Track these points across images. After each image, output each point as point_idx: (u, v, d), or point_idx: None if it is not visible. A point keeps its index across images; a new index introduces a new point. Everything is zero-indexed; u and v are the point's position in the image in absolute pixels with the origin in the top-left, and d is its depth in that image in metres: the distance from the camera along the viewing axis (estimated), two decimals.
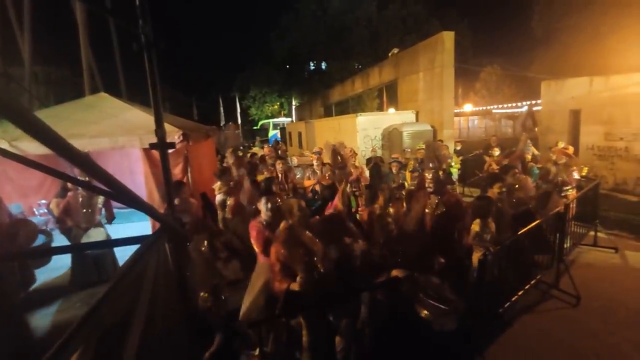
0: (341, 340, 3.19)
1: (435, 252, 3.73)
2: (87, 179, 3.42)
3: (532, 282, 4.20)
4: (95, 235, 4.54)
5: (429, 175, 4.69)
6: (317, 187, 5.40)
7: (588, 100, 9.93)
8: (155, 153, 5.26)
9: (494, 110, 32.18)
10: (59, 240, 5.00)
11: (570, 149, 6.77)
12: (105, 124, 5.85)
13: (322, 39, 30.87)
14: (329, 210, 4.19)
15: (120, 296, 1.31)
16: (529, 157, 6.71)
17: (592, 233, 5.89)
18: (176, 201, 4.20)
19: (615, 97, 9.21)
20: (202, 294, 2.55)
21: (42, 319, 4.00)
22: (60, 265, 4.98)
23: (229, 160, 7.35)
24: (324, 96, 26.26)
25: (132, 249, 1.61)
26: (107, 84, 12.57)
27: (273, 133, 26.67)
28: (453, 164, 8.04)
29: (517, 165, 6.07)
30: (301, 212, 3.11)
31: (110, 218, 5.05)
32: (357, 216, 4.89)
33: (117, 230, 5.56)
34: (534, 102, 23.74)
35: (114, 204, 5.23)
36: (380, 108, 24.50)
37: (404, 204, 4.10)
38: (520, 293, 3.99)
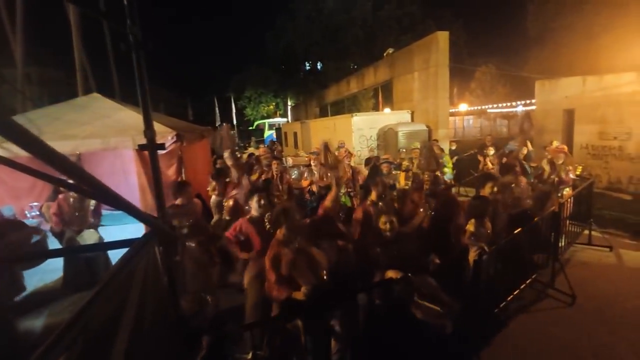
0: (337, 342, 3.17)
1: (430, 252, 3.72)
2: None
3: (528, 281, 4.20)
4: (87, 237, 4.49)
5: (427, 177, 4.70)
6: (314, 188, 5.37)
7: (582, 99, 9.99)
8: (149, 154, 5.23)
9: (488, 110, 32.33)
10: (52, 242, 4.94)
11: (565, 148, 6.79)
12: (98, 124, 5.79)
13: (317, 39, 30.83)
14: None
15: (108, 300, 1.28)
16: (521, 155, 6.72)
17: (586, 232, 5.91)
18: (179, 201, 4.18)
19: (609, 97, 9.27)
20: (188, 296, 2.52)
21: (31, 323, 3.94)
22: (53, 268, 4.91)
23: (228, 161, 7.28)
24: (320, 96, 26.26)
25: (124, 251, 1.59)
26: (101, 84, 12.47)
27: (269, 133, 26.61)
28: (446, 163, 8.04)
29: (516, 164, 6.08)
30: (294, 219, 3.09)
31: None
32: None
33: (110, 232, 5.50)
34: (528, 101, 23.92)
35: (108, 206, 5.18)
36: (375, 108, 24.54)
37: (396, 204, 4.08)
38: (515, 293, 3.99)
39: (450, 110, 17.23)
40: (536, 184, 6.14)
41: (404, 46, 14.17)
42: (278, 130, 24.12)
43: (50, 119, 6.02)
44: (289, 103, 35.30)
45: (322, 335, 3.04)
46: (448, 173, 7.95)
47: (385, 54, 15.87)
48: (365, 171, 7.44)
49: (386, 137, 11.34)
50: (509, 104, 29.15)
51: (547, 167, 6.08)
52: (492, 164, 7.39)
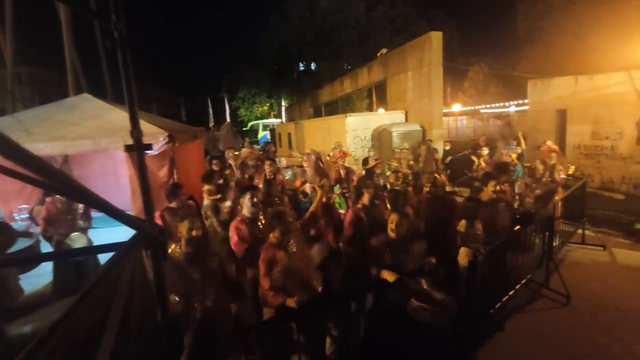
0: (332, 343, 3.13)
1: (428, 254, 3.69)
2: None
3: (523, 281, 4.20)
4: (76, 241, 4.40)
5: (426, 179, 4.68)
6: (307, 188, 5.33)
7: (574, 99, 10.05)
8: None
9: (482, 110, 32.51)
10: (46, 246, 4.84)
11: (556, 149, 6.83)
12: (88, 125, 5.69)
13: (311, 40, 30.80)
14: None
15: (93, 305, 1.22)
16: (514, 156, 6.73)
17: (580, 231, 5.94)
18: (174, 204, 4.10)
19: (600, 97, 9.34)
20: (173, 297, 2.44)
21: (20, 329, 3.84)
22: (42, 272, 4.80)
23: (231, 161, 7.21)
24: (314, 97, 26.21)
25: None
26: (93, 84, 12.32)
27: (263, 134, 26.49)
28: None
29: (509, 164, 6.10)
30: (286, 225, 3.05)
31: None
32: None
33: (102, 235, 5.40)
34: (521, 101, 24.09)
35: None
36: (369, 108, 24.55)
37: (388, 205, 4.05)
38: (511, 293, 3.98)
39: (444, 111, 17.27)
40: (530, 184, 6.16)
41: (397, 46, 14.18)
42: (272, 131, 24.01)
43: (39, 120, 5.90)
44: (283, 104, 35.21)
45: (317, 338, 3.01)
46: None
47: (378, 54, 15.85)
48: (359, 171, 7.42)
49: (380, 137, 11.33)
50: (501, 104, 29.34)
51: (540, 167, 6.09)
52: (487, 164, 7.40)
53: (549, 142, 7.00)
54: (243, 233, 3.51)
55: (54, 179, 1.05)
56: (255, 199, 3.60)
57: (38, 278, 4.65)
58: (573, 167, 7.32)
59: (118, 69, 1.57)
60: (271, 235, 3.11)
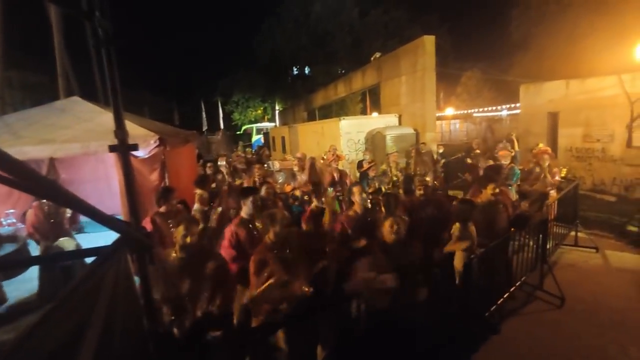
0: (323, 349, 3.08)
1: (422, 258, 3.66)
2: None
3: (517, 284, 4.18)
4: (64, 245, 4.31)
5: (418, 182, 4.67)
6: (298, 193, 5.29)
7: (565, 102, 10.15)
8: (131, 158, 5.07)
9: (475, 114, 32.75)
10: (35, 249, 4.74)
11: (549, 150, 6.85)
12: (78, 128, 5.61)
13: (305, 44, 30.88)
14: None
15: (72, 310, 1.17)
16: (506, 161, 6.71)
17: (573, 233, 5.96)
18: (163, 209, 4.02)
19: (591, 100, 9.44)
20: (165, 304, 2.39)
21: (2, 336, 3.74)
22: (29, 277, 4.68)
23: (223, 169, 7.12)
24: (308, 101, 26.21)
25: None
26: (85, 88, 12.17)
27: (256, 138, 26.41)
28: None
29: (502, 167, 6.09)
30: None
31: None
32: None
33: (91, 240, 5.31)
34: (513, 105, 24.31)
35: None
36: (363, 112, 24.60)
37: (382, 209, 4.03)
38: (505, 296, 3.96)
39: (437, 114, 17.37)
40: (524, 187, 6.16)
41: (390, 50, 14.23)
42: (266, 134, 23.94)
43: (28, 123, 5.81)
44: (277, 107, 35.20)
45: (304, 346, 2.96)
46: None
47: (372, 58, 15.90)
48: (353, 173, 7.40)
49: (374, 140, 11.33)
50: (494, 107, 29.57)
51: (537, 169, 6.11)
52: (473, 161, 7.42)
53: (541, 145, 7.03)
54: (241, 236, 3.50)
55: (37, 183, 1.00)
56: (258, 202, 3.59)
57: (24, 283, 4.54)
58: (565, 169, 7.37)
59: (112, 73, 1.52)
60: (266, 237, 3.08)
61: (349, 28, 29.95)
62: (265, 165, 10.44)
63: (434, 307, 3.29)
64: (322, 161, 8.12)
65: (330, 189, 5.76)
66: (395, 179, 6.78)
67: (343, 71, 28.00)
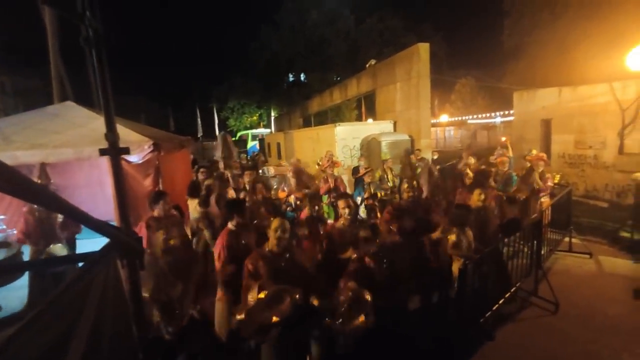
0: None
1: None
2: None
3: (512, 290, 4.18)
4: (55, 252, 4.23)
5: (406, 186, 4.68)
6: (292, 199, 5.27)
7: (558, 109, 10.26)
8: (124, 163, 5.01)
9: (469, 121, 33.02)
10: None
11: (544, 156, 6.90)
12: (71, 133, 5.56)
13: (301, 51, 31.05)
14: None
15: (56, 318, 1.14)
16: (505, 168, 6.72)
17: (567, 239, 5.98)
18: (156, 212, 3.97)
19: (583, 107, 9.55)
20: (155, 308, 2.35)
21: None
22: (20, 285, 4.59)
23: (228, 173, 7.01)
24: (303, 107, 26.29)
25: None
26: (81, 93, 12.07)
27: (252, 144, 26.35)
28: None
29: (491, 172, 6.11)
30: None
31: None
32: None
33: (85, 246, 5.22)
34: (507, 112, 24.55)
35: None
36: (359, 118, 24.71)
37: (378, 214, 4.03)
38: (501, 302, 3.95)
39: (432, 121, 17.48)
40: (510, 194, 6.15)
41: (386, 58, 14.35)
42: (261, 141, 23.91)
43: (20, 128, 5.75)
44: (273, 114, 35.23)
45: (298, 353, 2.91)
46: None
47: (367, 66, 16.04)
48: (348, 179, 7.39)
49: (369, 146, 11.36)
50: (488, 114, 29.84)
51: (535, 174, 6.14)
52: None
53: (534, 151, 7.08)
54: (231, 246, 3.47)
55: (27, 188, 0.98)
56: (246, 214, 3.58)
57: (12, 291, 4.45)
58: (558, 175, 7.42)
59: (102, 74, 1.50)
60: (266, 244, 3.07)
61: (345, 35, 30.20)
62: (261, 171, 10.42)
63: (429, 313, 3.27)
64: (317, 167, 8.12)
65: (324, 196, 5.74)
66: (391, 184, 6.79)
67: (339, 78, 28.17)
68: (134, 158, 5.12)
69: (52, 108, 6.92)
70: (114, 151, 1.56)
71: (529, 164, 6.42)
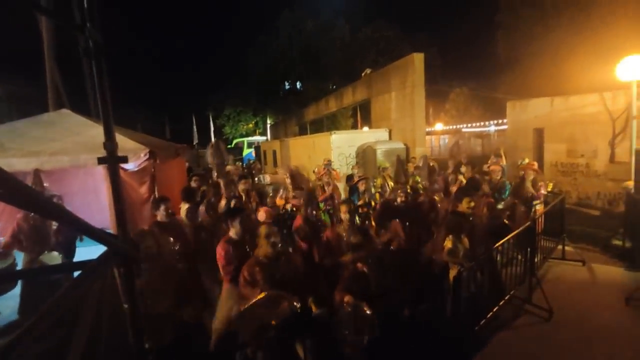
0: None
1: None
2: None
3: (507, 297, 4.20)
4: (49, 260, 4.20)
5: (400, 191, 4.72)
6: (288, 207, 5.27)
7: (550, 119, 10.41)
8: (120, 171, 5.01)
9: (464, 129, 33.35)
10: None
11: (535, 165, 6.98)
12: (67, 141, 5.56)
13: (297, 60, 31.34)
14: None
15: (53, 326, 1.15)
16: (498, 176, 6.78)
17: (560, 247, 6.03)
18: (159, 217, 3.98)
19: (575, 117, 9.71)
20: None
21: None
22: (11, 295, 4.53)
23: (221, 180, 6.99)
24: (299, 115, 26.42)
25: None
26: (77, 100, 12.04)
27: (247, 152, 26.36)
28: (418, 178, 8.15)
29: (481, 181, 6.15)
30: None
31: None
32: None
33: (81, 254, 5.17)
34: (500, 121, 24.85)
35: None
36: (354, 126, 24.85)
37: (373, 222, 4.06)
38: (495, 309, 3.97)
39: (427, 130, 17.62)
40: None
41: (381, 67, 14.53)
42: (257, 148, 23.95)
43: (15, 135, 5.74)
44: (269, 121, 35.34)
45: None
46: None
47: (363, 75, 16.22)
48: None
49: (365, 155, 11.44)
50: (482, 123, 30.19)
51: (528, 182, 6.21)
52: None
53: (527, 160, 7.16)
54: (229, 254, 3.47)
55: (19, 194, 1.00)
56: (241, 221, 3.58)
57: (3, 301, 4.39)
58: (551, 184, 7.50)
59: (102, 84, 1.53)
60: (260, 251, 3.09)
61: (341, 44, 30.55)
62: (257, 179, 10.42)
63: (424, 320, 3.29)
64: (313, 173, 8.14)
65: (321, 204, 5.75)
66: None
67: (334, 86, 28.38)
68: (129, 166, 5.12)
69: (48, 116, 6.91)
70: (113, 160, 1.57)
71: (522, 172, 6.48)
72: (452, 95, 33.66)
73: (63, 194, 7.24)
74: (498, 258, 4.22)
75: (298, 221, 4.31)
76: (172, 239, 3.77)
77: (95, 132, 5.88)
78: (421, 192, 6.23)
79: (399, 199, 4.77)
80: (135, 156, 5.17)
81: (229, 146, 31.12)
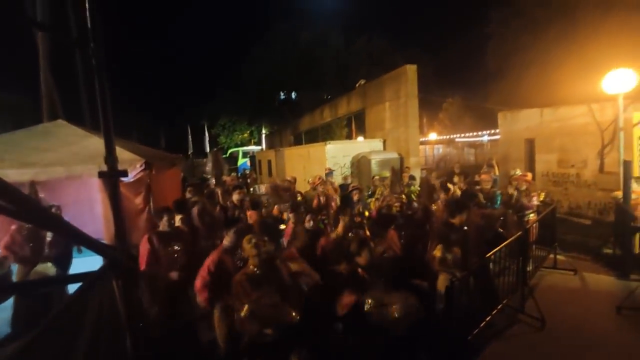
0: None
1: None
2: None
3: (499, 306, 4.24)
4: (43, 271, 4.17)
5: (395, 201, 4.79)
6: (285, 216, 5.31)
7: (540, 129, 10.60)
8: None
9: (457, 139, 33.69)
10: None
11: (529, 176, 7.11)
12: (62, 151, 5.57)
13: (292, 70, 31.61)
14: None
15: (54, 339, 1.17)
16: (488, 186, 6.86)
17: (552, 256, 6.11)
18: (161, 226, 4.04)
19: (564, 127, 9.90)
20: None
21: None
22: (3, 307, 4.49)
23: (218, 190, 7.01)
24: (294, 125, 26.55)
25: None
26: (71, 111, 12.02)
27: (242, 161, 26.36)
28: (412, 188, 8.24)
29: (476, 192, 6.24)
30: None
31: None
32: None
33: (77, 264, 5.13)
34: (493, 131, 25.16)
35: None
36: (349, 136, 25.01)
37: (367, 231, 4.11)
38: (488, 319, 4.00)
39: (421, 139, 17.82)
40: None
41: (375, 78, 14.71)
42: (252, 158, 23.97)
43: (10, 146, 5.74)
44: (264, 131, 35.43)
45: None
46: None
47: (357, 85, 16.39)
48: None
49: (360, 164, 11.52)
50: (475, 133, 30.54)
51: (515, 193, 6.31)
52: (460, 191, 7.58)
53: (518, 171, 7.27)
54: (226, 264, 3.49)
55: (15, 204, 1.03)
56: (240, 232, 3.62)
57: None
58: (543, 193, 7.61)
59: (96, 95, 1.57)
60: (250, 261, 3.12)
61: (335, 55, 30.91)
62: (252, 189, 10.44)
63: (417, 330, 3.31)
64: (308, 183, 8.18)
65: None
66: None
67: (329, 97, 28.61)
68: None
69: (42, 126, 6.92)
70: (114, 174, 1.61)
71: (515, 183, 6.59)
72: (445, 105, 34.09)
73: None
74: (491, 267, 4.28)
75: (289, 230, 4.35)
76: (176, 247, 3.85)
77: (89, 142, 5.90)
78: (415, 201, 6.30)
79: (394, 209, 4.83)
80: (132, 167, 5.19)
81: (224, 156, 31.12)
